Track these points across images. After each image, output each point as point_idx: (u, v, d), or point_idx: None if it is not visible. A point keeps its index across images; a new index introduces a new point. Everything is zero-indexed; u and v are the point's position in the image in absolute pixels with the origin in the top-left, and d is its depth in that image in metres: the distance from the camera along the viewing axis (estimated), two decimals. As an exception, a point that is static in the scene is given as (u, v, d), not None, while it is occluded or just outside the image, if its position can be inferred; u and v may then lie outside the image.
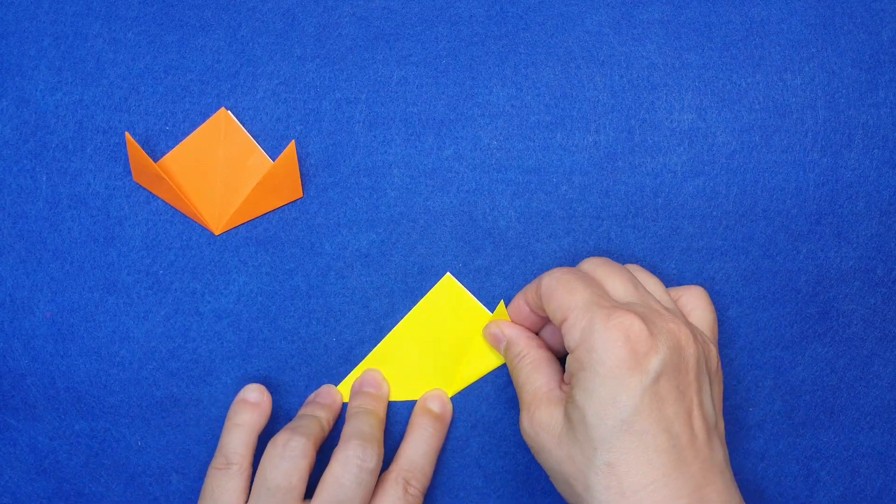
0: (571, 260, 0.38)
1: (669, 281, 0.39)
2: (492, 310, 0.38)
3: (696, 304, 0.35)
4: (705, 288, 0.36)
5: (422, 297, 0.38)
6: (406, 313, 0.39)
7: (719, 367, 0.34)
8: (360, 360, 0.39)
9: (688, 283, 0.39)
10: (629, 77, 0.39)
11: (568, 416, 0.31)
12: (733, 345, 0.39)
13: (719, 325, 0.39)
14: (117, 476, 0.39)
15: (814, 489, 0.39)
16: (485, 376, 0.39)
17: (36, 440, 0.39)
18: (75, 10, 0.39)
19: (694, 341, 0.32)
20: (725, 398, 0.39)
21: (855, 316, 0.39)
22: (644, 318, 0.31)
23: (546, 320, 0.36)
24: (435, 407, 0.38)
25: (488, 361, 0.38)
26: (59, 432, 0.39)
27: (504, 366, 0.39)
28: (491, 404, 0.39)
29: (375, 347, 0.38)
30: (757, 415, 0.39)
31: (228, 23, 0.39)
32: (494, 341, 0.37)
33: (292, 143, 0.37)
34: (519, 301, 0.36)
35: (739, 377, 0.39)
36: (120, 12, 0.39)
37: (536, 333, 0.37)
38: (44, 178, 0.38)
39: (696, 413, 0.31)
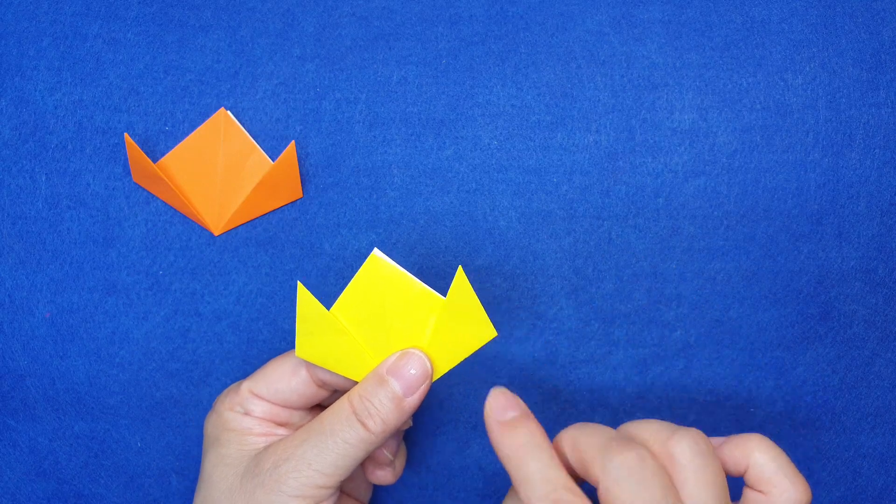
0: (571, 260, 0.38)
1: (669, 281, 0.39)
2: (491, 311, 0.38)
3: None
4: (704, 287, 0.36)
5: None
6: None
7: None
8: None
9: (688, 284, 0.38)
10: (630, 77, 0.39)
11: None
12: (734, 345, 0.39)
13: (720, 325, 0.39)
14: (117, 477, 0.39)
15: (815, 490, 0.39)
16: (485, 377, 0.39)
17: (35, 441, 0.39)
18: (74, 10, 0.39)
19: None
20: (726, 399, 0.39)
21: (856, 316, 0.39)
22: None
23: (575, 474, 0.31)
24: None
25: (420, 335, 0.33)
26: (58, 433, 0.39)
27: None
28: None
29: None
30: (758, 415, 0.39)
31: (228, 23, 0.39)
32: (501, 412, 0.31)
33: (292, 144, 0.37)
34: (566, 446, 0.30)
35: (741, 378, 0.39)
36: (119, 12, 0.39)
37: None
38: (43, 179, 0.38)
39: None
